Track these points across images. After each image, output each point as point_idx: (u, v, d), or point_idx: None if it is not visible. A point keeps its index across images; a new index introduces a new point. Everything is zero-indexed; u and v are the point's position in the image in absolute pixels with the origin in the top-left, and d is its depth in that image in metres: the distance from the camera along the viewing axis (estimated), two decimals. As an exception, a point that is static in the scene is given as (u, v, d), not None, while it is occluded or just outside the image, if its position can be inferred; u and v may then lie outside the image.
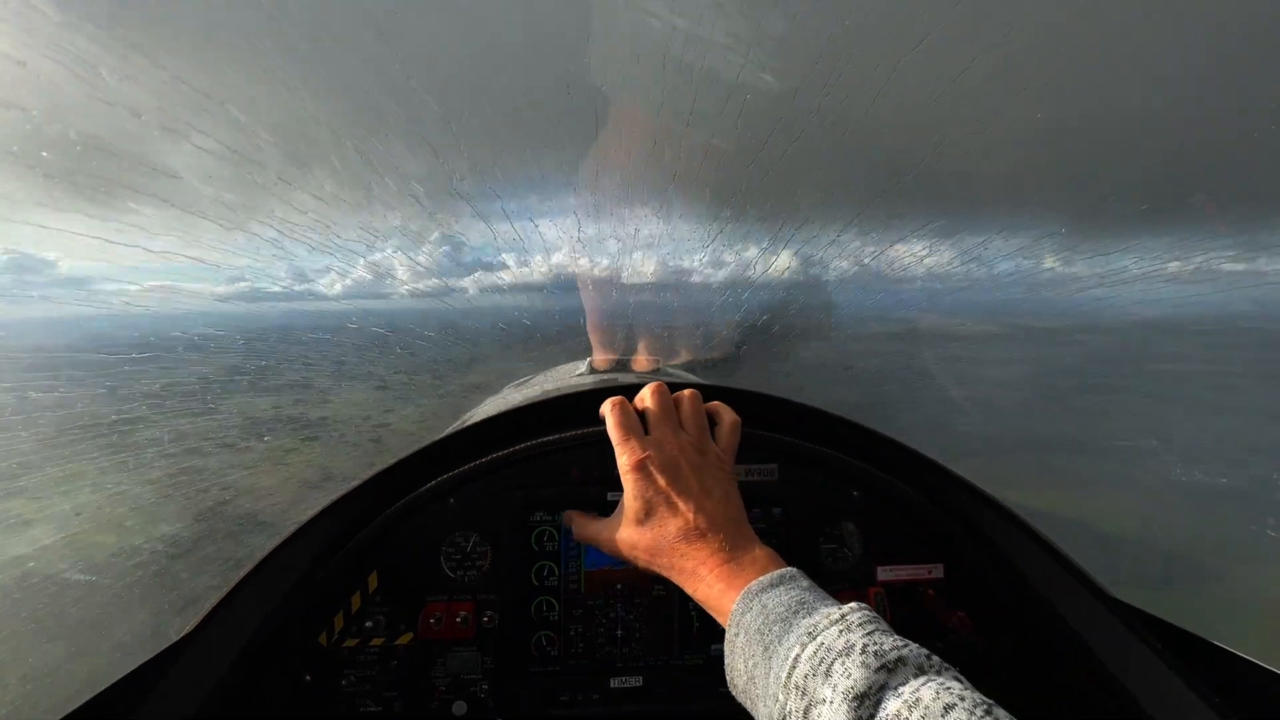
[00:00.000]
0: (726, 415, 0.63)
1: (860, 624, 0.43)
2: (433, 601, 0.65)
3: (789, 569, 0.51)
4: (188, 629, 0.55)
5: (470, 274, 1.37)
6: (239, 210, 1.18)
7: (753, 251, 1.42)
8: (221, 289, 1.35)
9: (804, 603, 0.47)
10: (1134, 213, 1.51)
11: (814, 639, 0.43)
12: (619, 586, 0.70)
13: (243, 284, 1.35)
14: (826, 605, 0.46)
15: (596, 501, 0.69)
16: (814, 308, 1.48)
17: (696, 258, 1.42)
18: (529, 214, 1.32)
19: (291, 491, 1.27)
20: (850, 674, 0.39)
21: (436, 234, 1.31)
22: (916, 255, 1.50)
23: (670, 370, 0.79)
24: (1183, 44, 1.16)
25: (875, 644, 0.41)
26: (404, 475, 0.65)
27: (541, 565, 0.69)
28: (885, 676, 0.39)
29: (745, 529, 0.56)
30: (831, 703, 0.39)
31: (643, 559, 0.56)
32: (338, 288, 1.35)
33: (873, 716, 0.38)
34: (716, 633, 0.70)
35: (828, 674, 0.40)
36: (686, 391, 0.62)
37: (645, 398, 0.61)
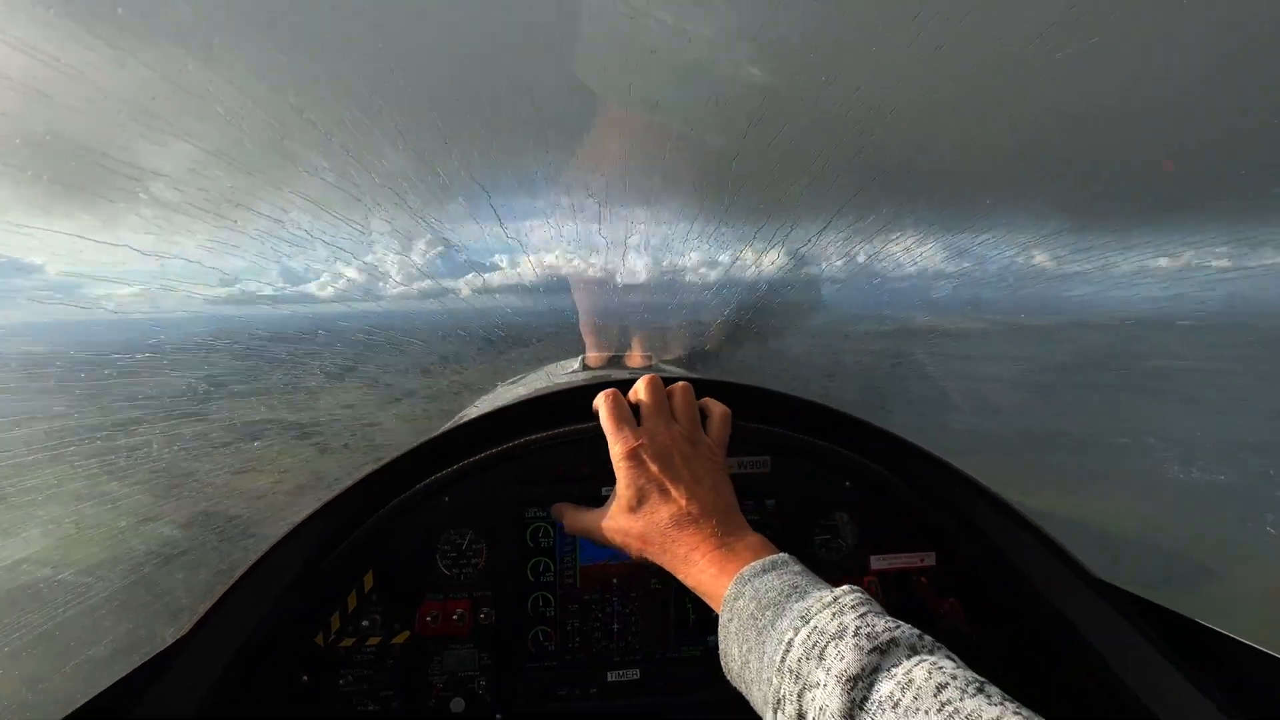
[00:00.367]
0: (716, 408, 0.64)
1: (853, 606, 0.43)
2: (429, 599, 0.65)
3: (781, 554, 0.51)
4: (182, 632, 0.55)
5: (463, 275, 1.37)
6: (229, 212, 1.17)
7: (744, 249, 1.42)
8: (212, 292, 1.34)
9: (796, 587, 0.47)
10: (1124, 209, 1.53)
11: (807, 622, 0.43)
12: (615, 581, 0.70)
13: (234, 287, 1.35)
14: (819, 589, 0.47)
15: (591, 497, 0.69)
16: (804, 305, 1.49)
17: (688, 256, 1.42)
18: (521, 214, 1.32)
19: (284, 495, 1.26)
20: (843, 656, 0.39)
21: (429, 235, 1.30)
22: (908, 252, 1.51)
23: (662, 366, 0.80)
24: (1176, 41, 1.17)
25: (868, 626, 0.41)
26: (398, 474, 0.65)
27: (537, 561, 0.69)
28: (878, 658, 0.39)
29: (737, 516, 0.57)
30: (825, 685, 0.39)
31: (635, 546, 0.56)
32: (330, 289, 1.34)
33: (866, 699, 0.38)
34: (712, 625, 0.70)
35: (821, 657, 0.40)
36: (678, 385, 0.62)
37: (639, 390, 0.61)
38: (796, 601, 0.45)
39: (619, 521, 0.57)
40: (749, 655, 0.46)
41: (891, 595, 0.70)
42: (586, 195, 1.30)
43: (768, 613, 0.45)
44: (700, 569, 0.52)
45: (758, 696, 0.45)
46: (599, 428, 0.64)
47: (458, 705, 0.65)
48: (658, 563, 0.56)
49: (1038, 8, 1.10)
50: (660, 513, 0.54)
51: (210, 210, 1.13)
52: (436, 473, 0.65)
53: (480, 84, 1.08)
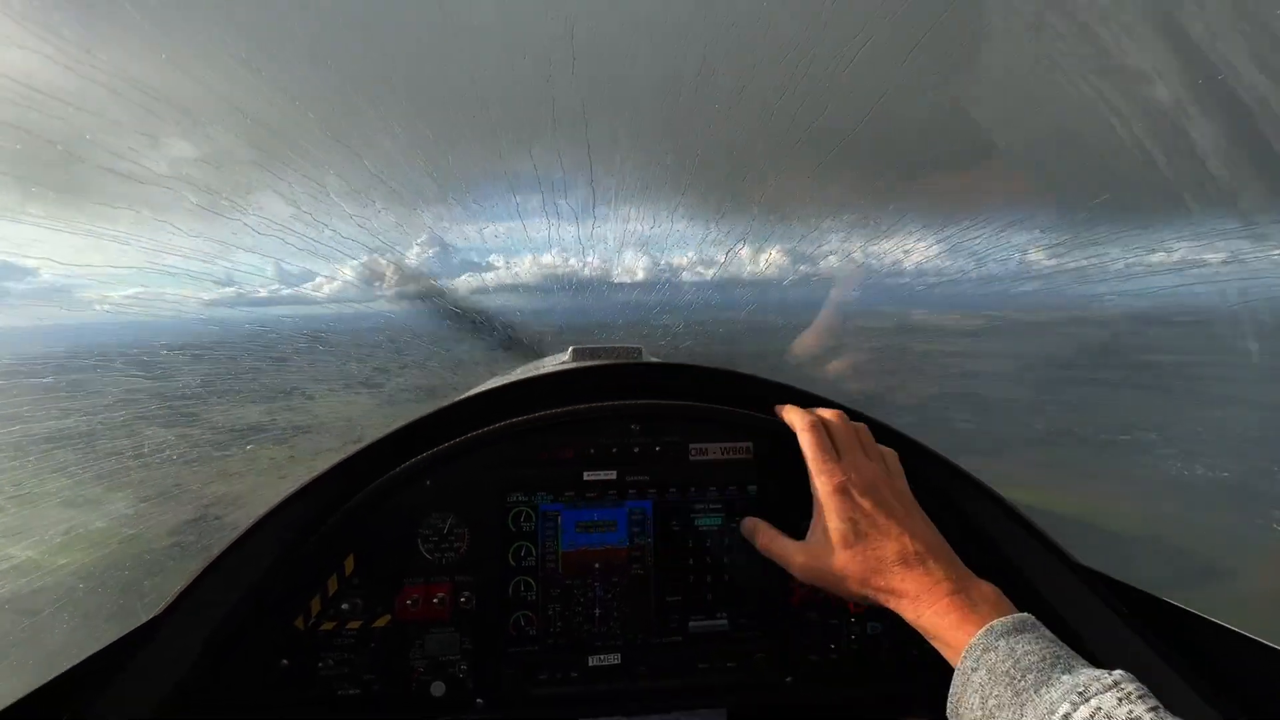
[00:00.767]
0: (888, 450, 0.66)
1: (1140, 696, 0.43)
2: (409, 584, 0.65)
3: (1027, 614, 0.53)
4: (157, 610, 0.54)
5: (459, 275, 1.37)
6: (223, 214, 1.17)
7: (743, 248, 1.43)
8: (207, 294, 1.34)
9: (1059, 657, 0.48)
10: (1119, 205, 1.53)
11: (1086, 700, 0.43)
12: (597, 566, 0.69)
13: (229, 288, 1.34)
14: (1086, 666, 0.48)
15: (574, 481, 0.69)
16: (801, 304, 1.49)
17: (687, 255, 1.43)
18: (517, 214, 1.32)
19: (276, 500, 1.24)
20: None
21: (425, 234, 1.30)
22: (905, 250, 1.52)
23: (650, 357, 0.79)
24: (1173, 39, 1.18)
25: None
26: (379, 456, 0.64)
27: (519, 545, 0.69)
28: None
29: (957, 559, 0.58)
30: None
31: (854, 584, 0.57)
32: (325, 290, 1.34)
33: None
34: (693, 611, 0.70)
35: None
36: (861, 424, 0.65)
37: (832, 422, 0.63)
38: (1064, 674, 0.46)
39: (835, 558, 0.57)
40: (998, 712, 0.47)
41: None
42: (585, 195, 1.30)
43: (1029, 676, 0.46)
44: (936, 613, 0.53)
45: None
46: (582, 411, 0.64)
47: (438, 689, 0.64)
48: (877, 601, 0.56)
49: (1038, 10, 1.12)
50: (883, 550, 0.55)
51: (204, 212, 1.13)
52: (417, 456, 0.64)
53: (480, 83, 1.09)
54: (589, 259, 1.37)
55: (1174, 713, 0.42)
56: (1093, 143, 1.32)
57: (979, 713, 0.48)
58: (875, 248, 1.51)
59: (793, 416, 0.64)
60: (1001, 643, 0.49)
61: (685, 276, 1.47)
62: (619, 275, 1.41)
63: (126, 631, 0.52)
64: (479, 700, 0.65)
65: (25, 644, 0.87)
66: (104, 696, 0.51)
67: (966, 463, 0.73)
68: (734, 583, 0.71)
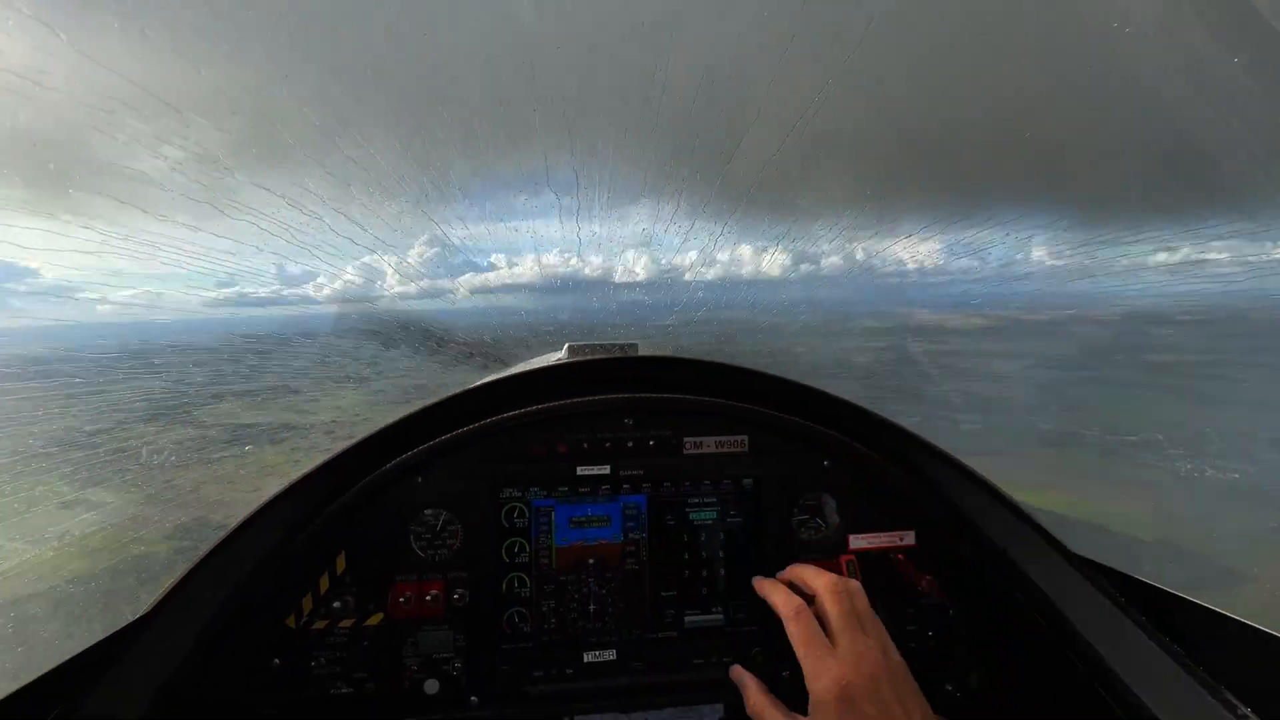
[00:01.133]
0: (873, 617, 0.62)
1: None
2: (402, 581, 0.63)
3: None
4: (146, 608, 0.53)
5: (460, 275, 1.37)
6: (225, 215, 1.17)
7: (743, 248, 1.42)
8: (209, 294, 1.34)
9: None
10: (1124, 205, 1.53)
11: None
12: (591, 562, 0.68)
13: (231, 289, 1.34)
14: None
15: (567, 477, 0.67)
16: (805, 303, 1.48)
17: (689, 255, 1.42)
18: (518, 214, 1.32)
19: (265, 498, 1.23)
20: None
21: (426, 235, 1.30)
22: (909, 250, 1.51)
23: (643, 349, 0.78)
24: (1178, 40, 1.17)
25: None
26: (370, 453, 0.63)
27: (513, 541, 0.67)
28: None
29: None
30: None
31: None
32: (326, 291, 1.34)
33: None
34: (689, 606, 0.68)
35: None
36: (854, 585, 0.61)
37: (824, 600, 0.59)
38: None
39: None
40: None
41: (871, 575, 0.69)
42: (584, 197, 1.30)
43: None
44: None
45: None
46: (574, 405, 0.63)
47: (432, 687, 0.63)
48: None
49: (1044, 12, 1.11)
50: None
51: (206, 213, 1.13)
52: (408, 452, 0.63)
53: (483, 84, 1.09)
54: (591, 259, 1.37)
55: (1170, 699, 0.38)
56: (1104, 142, 1.32)
57: None
58: (878, 247, 1.50)
59: (776, 599, 0.61)
60: None
61: (687, 277, 1.47)
62: (620, 275, 1.41)
63: (115, 629, 0.51)
64: (473, 698, 0.64)
65: (16, 647, 0.86)
66: (93, 693, 0.50)
67: (975, 463, 0.72)
68: (730, 577, 0.70)
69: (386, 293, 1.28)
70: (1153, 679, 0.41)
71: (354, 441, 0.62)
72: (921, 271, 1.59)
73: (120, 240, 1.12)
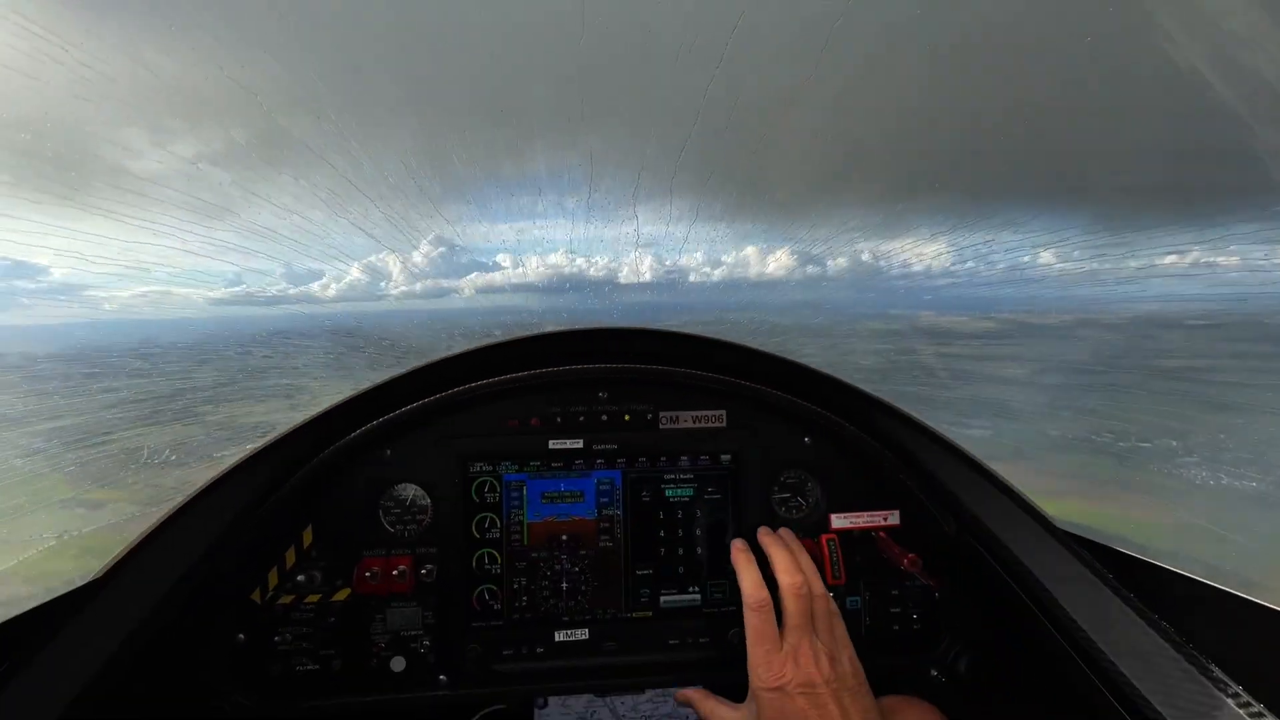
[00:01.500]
0: (838, 626, 0.63)
1: None
2: (369, 556, 0.63)
3: None
4: (102, 570, 0.51)
5: (465, 275, 1.36)
6: (232, 212, 1.17)
7: (748, 248, 1.42)
8: (215, 293, 1.34)
9: None
10: (1132, 207, 1.52)
11: None
12: (564, 538, 0.67)
13: (236, 288, 1.35)
14: None
15: (539, 452, 0.67)
16: (814, 305, 1.47)
17: (694, 256, 1.42)
18: (523, 214, 1.32)
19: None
20: None
21: (432, 234, 1.30)
22: (916, 252, 1.50)
23: (632, 327, 0.78)
24: (1184, 42, 1.17)
25: None
26: (336, 423, 0.62)
27: (483, 517, 0.67)
28: None
29: None
30: None
31: None
32: (332, 290, 1.34)
33: None
34: (665, 585, 0.68)
35: None
36: (818, 587, 0.62)
37: (784, 597, 0.61)
38: None
39: None
40: None
41: (852, 555, 0.68)
42: (590, 197, 1.30)
43: None
44: None
45: None
46: (546, 375, 0.63)
47: (399, 664, 0.62)
48: None
49: (1051, 13, 1.11)
50: None
51: (213, 210, 1.14)
52: (376, 421, 0.62)
53: (488, 82, 1.09)
54: (596, 259, 1.36)
55: (1162, 681, 0.38)
56: (1115, 141, 1.31)
57: None
58: (884, 249, 1.50)
59: (746, 584, 0.62)
60: None
61: (692, 278, 1.46)
62: (625, 276, 1.40)
63: (64, 592, 0.50)
64: (441, 676, 0.63)
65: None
66: (34, 659, 0.48)
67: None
68: (708, 557, 0.68)
69: (392, 292, 1.28)
70: (1142, 659, 0.40)
71: (320, 410, 0.61)
72: (929, 274, 1.58)
73: (128, 238, 1.13)
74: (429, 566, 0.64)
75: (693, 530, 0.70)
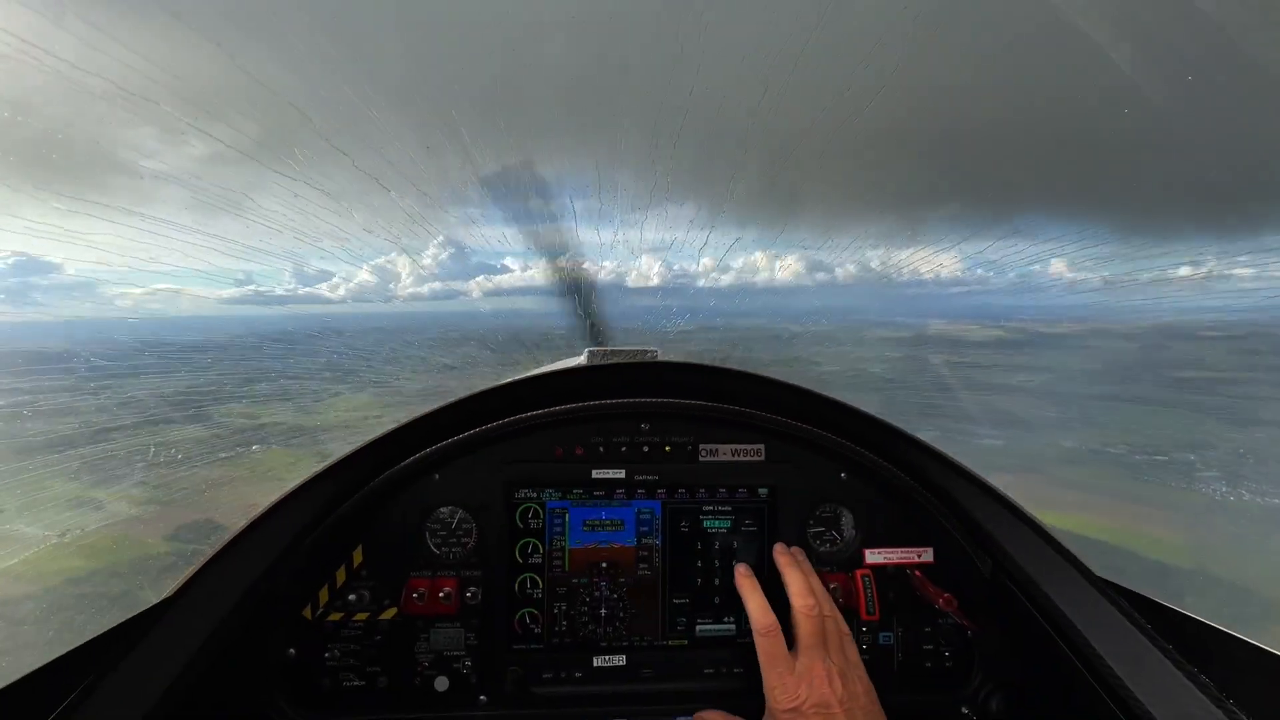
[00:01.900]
0: (850, 646, 0.63)
1: None
2: (416, 577, 0.64)
3: None
4: (168, 593, 0.53)
5: (473, 276, 1.37)
6: (242, 213, 1.18)
7: (758, 255, 1.41)
8: (225, 292, 1.34)
9: None
10: (1145, 217, 1.50)
11: None
12: (604, 565, 0.68)
13: (246, 288, 1.35)
14: None
15: (583, 480, 0.68)
16: (824, 312, 1.46)
17: (703, 261, 1.41)
18: (533, 217, 1.32)
19: (285, 491, 1.22)
20: None
21: (440, 236, 1.31)
22: (927, 260, 1.49)
23: (662, 356, 0.78)
24: (1196, 46, 1.15)
25: None
26: (388, 449, 0.64)
27: (526, 542, 0.68)
28: None
29: None
30: None
31: None
32: (341, 290, 1.34)
33: None
34: (701, 614, 0.68)
35: None
36: (829, 607, 0.63)
37: (796, 618, 0.61)
38: None
39: None
40: None
41: (887, 591, 0.68)
42: (601, 199, 1.30)
43: None
44: None
45: None
46: (591, 408, 0.64)
47: (442, 684, 0.63)
48: None
49: (1066, 16, 1.10)
50: None
51: (223, 211, 1.14)
52: (426, 449, 0.64)
53: (497, 84, 1.09)
54: (604, 263, 1.36)
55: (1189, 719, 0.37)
56: (1133, 150, 1.30)
57: None
58: (896, 257, 1.48)
59: (752, 608, 0.62)
60: None
61: (701, 283, 1.46)
62: (633, 280, 1.40)
63: (134, 614, 0.51)
64: (482, 697, 0.64)
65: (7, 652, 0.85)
66: (111, 675, 0.50)
67: (998, 481, 0.69)
68: None
69: (401, 293, 1.28)
70: (1178, 711, 0.39)
71: (374, 437, 0.63)
72: (939, 282, 1.57)
73: (140, 236, 1.13)
74: (474, 589, 0.65)
75: (729, 561, 0.71)
